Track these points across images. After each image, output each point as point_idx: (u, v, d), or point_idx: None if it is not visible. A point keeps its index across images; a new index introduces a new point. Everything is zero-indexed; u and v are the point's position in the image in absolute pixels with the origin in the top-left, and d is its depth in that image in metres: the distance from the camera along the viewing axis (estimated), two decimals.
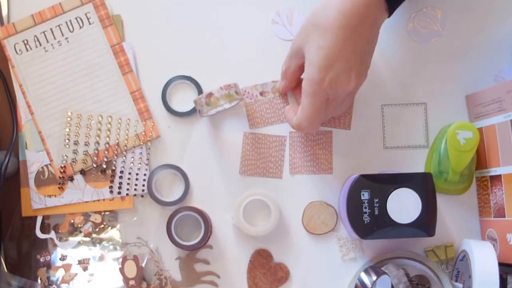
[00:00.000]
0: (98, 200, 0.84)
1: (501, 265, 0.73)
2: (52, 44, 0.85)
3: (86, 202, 0.84)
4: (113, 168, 0.84)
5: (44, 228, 0.84)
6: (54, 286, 0.83)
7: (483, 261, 0.72)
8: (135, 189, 0.84)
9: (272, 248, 0.84)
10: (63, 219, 0.84)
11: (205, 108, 0.79)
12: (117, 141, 0.84)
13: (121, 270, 0.82)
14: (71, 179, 0.84)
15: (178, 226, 0.82)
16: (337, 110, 0.78)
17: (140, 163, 0.84)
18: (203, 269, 0.84)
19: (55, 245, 0.83)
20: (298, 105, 0.76)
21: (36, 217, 0.84)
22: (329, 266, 0.83)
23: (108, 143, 0.84)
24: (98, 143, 0.84)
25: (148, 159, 0.84)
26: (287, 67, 0.80)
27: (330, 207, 0.84)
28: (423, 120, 0.84)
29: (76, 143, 0.84)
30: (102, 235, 0.84)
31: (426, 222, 0.75)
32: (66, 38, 0.85)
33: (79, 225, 0.84)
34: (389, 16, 0.75)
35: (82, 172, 0.84)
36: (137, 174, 0.84)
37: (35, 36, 0.85)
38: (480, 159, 0.81)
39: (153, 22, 0.86)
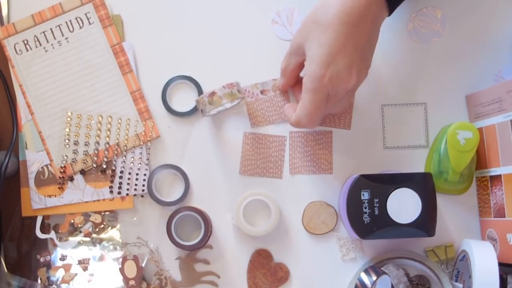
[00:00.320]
0: (98, 200, 0.84)
1: (501, 265, 0.73)
2: (52, 44, 0.85)
3: (86, 202, 0.84)
4: (113, 168, 0.84)
5: (44, 228, 0.84)
6: (54, 286, 0.83)
7: (483, 261, 0.72)
8: (135, 189, 0.83)
9: (272, 248, 0.83)
10: (63, 219, 0.84)
11: (208, 107, 0.79)
12: (117, 141, 0.84)
13: (121, 270, 0.82)
14: (71, 179, 0.84)
15: (178, 226, 0.82)
16: (336, 107, 0.78)
17: (140, 163, 0.84)
18: (203, 269, 0.84)
19: (55, 245, 0.83)
20: (297, 102, 0.76)
21: (36, 217, 0.84)
22: (329, 266, 0.83)
23: (108, 143, 0.84)
24: (98, 143, 0.84)
25: (148, 159, 0.84)
26: (287, 64, 0.80)
27: (330, 207, 0.83)
28: (423, 120, 0.84)
29: (76, 143, 0.84)
30: (102, 235, 0.84)
31: (426, 222, 0.75)
32: (66, 38, 0.85)
33: (79, 225, 0.83)
34: (389, 15, 0.75)
35: (82, 172, 0.84)
36: (137, 174, 0.84)
37: (35, 36, 0.85)
38: (480, 159, 0.81)
39: (153, 22, 0.86)
